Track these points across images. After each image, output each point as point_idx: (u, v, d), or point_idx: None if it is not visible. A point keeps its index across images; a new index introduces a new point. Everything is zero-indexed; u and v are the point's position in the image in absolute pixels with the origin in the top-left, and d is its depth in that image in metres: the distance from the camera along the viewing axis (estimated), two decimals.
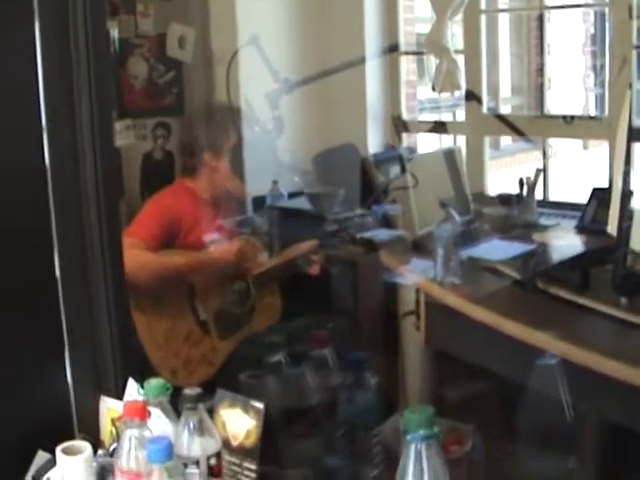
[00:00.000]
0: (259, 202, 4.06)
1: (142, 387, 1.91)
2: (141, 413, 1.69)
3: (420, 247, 3.68)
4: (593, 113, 10.29)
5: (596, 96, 10.65)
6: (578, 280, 2.90)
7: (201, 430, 1.76)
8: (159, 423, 1.80)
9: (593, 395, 2.52)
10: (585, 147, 9.75)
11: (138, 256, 3.36)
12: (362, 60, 4.65)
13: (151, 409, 1.76)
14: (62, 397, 2.09)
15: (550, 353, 2.56)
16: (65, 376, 2.09)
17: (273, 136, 3.96)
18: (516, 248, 3.58)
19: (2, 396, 1.96)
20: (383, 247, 3.77)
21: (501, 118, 4.56)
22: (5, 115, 1.94)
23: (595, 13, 10.12)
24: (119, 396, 2.04)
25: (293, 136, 4.34)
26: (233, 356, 3.58)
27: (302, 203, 4.04)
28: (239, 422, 1.86)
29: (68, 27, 2.03)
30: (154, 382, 1.86)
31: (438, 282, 3.27)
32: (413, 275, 3.54)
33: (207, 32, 4.45)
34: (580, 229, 3.85)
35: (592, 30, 10.94)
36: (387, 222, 4.01)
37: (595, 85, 10.76)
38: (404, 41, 5.00)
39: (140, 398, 1.88)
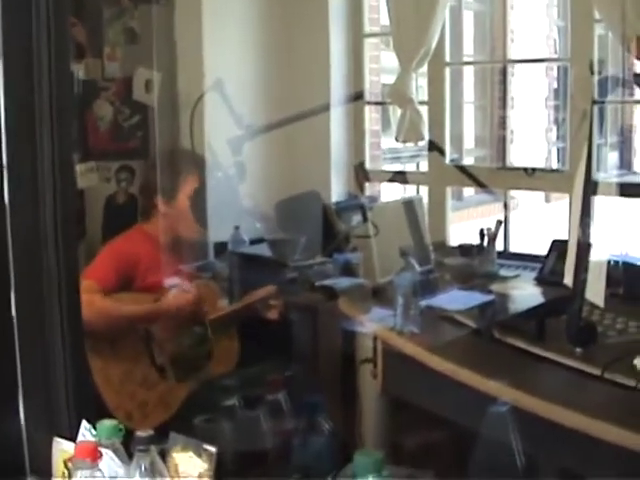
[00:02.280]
0: (220, 247, 4.05)
1: (95, 428, 1.90)
2: (92, 454, 1.67)
3: (380, 295, 3.68)
4: (555, 166, 10.41)
5: (558, 149, 10.77)
6: (534, 330, 2.91)
7: (153, 473, 1.75)
8: (111, 465, 1.79)
9: (547, 443, 2.52)
10: (547, 200, 9.84)
11: (93, 301, 3.36)
12: (327, 108, 4.68)
13: (103, 450, 1.74)
14: (14, 437, 2.07)
15: (504, 401, 2.56)
16: (18, 416, 2.07)
17: (235, 182, 3.96)
18: (475, 298, 3.58)
19: None
20: (343, 295, 3.77)
21: (463, 169, 4.59)
22: None
23: (558, 67, 10.28)
24: (72, 438, 2.01)
25: (256, 182, 4.35)
26: (189, 400, 3.55)
27: (263, 249, 4.04)
28: (191, 465, 1.85)
29: (32, 67, 2.03)
30: (107, 423, 1.84)
31: (397, 331, 3.27)
32: (372, 323, 3.54)
33: (174, 76, 4.46)
34: (539, 280, 3.88)
35: (555, 84, 11.09)
36: (348, 270, 4.01)
37: (558, 138, 10.89)
38: (369, 91, 5.04)
39: (93, 439, 1.87)
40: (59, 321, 2.11)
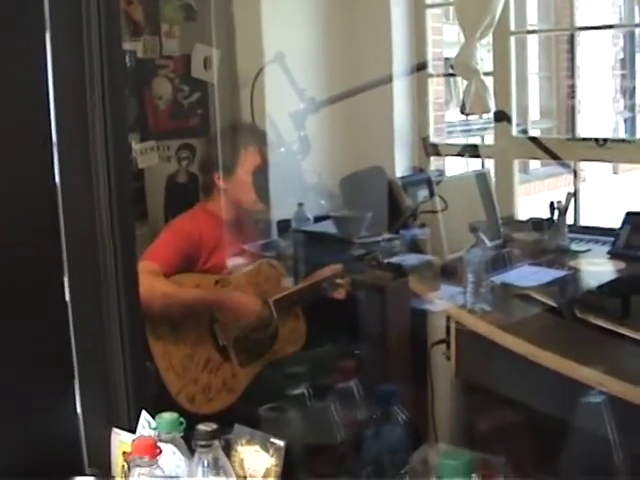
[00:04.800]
0: (284, 225, 3.97)
1: (154, 419, 1.81)
2: (151, 450, 1.57)
3: (449, 272, 3.59)
4: (623, 136, 10.24)
5: (625, 119, 10.58)
6: (618, 308, 2.78)
7: (216, 468, 1.64)
8: (172, 460, 1.69)
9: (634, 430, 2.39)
10: (615, 171, 9.67)
11: (155, 283, 3.31)
12: (389, 79, 4.57)
13: (163, 445, 1.65)
14: (72, 429, 1.99)
15: (594, 390, 2.43)
16: (75, 407, 1.99)
17: (299, 157, 3.86)
18: (549, 274, 3.50)
19: (9, 428, 1.86)
20: (411, 272, 3.67)
21: (534, 140, 4.46)
22: (15, 133, 1.85)
23: (625, 36, 10.07)
24: (132, 428, 1.93)
25: (319, 158, 4.25)
26: (255, 383, 3.48)
27: (328, 226, 3.95)
28: (258, 460, 1.75)
29: (82, 43, 1.95)
30: (166, 417, 1.75)
31: (468, 309, 3.17)
32: (442, 302, 3.44)
33: (232, 52, 4.41)
34: (613, 254, 3.77)
35: (622, 54, 10.90)
36: (415, 246, 3.92)
37: (625, 108, 10.70)
38: (432, 63, 4.93)
39: (152, 432, 1.77)
40: (116, 306, 2.02)
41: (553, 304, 3.07)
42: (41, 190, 1.91)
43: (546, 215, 4.06)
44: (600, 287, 3.10)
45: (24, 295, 1.86)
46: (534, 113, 8.95)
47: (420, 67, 4.81)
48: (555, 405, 2.66)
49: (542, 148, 4.37)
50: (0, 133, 1.82)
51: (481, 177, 4.12)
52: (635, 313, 2.77)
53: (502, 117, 4.48)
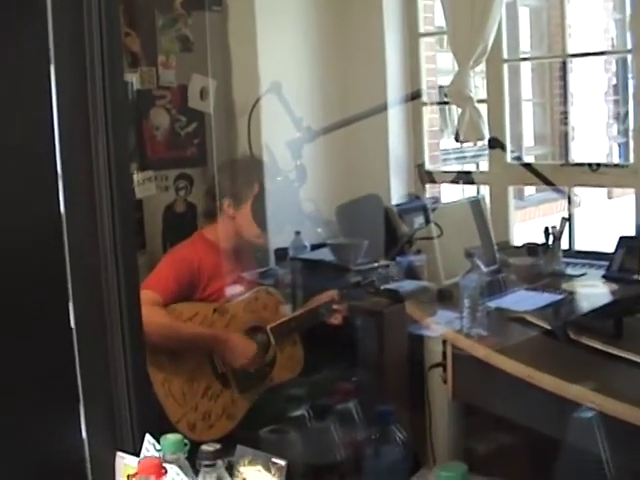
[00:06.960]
0: (282, 253, 4.00)
1: (159, 442, 1.84)
2: (156, 470, 1.61)
3: (446, 298, 3.62)
4: (616, 161, 10.28)
5: (619, 144, 10.63)
6: (611, 329, 2.82)
7: None
8: None
9: (630, 449, 2.42)
10: (610, 196, 9.70)
11: (153, 315, 3.30)
12: (384, 108, 4.61)
13: (168, 466, 1.68)
14: (77, 453, 2.02)
15: (584, 406, 2.45)
16: (80, 431, 2.02)
17: (296, 186, 3.89)
18: (544, 298, 3.53)
19: (15, 452, 1.89)
20: (408, 298, 3.71)
21: (528, 167, 4.50)
22: (20, 164, 1.89)
23: (617, 62, 10.14)
24: (136, 452, 1.96)
25: (316, 186, 4.28)
26: (254, 409, 3.50)
27: (325, 254, 3.98)
28: None
29: (85, 75, 1.99)
30: (171, 438, 1.78)
31: (464, 333, 3.20)
32: (439, 326, 3.47)
33: (229, 82, 4.44)
34: (608, 278, 3.80)
35: (614, 80, 10.95)
36: (412, 273, 3.95)
37: (618, 133, 10.74)
38: (426, 91, 4.98)
39: (157, 454, 1.81)
40: (120, 332, 2.06)
41: (547, 327, 3.11)
42: (47, 220, 1.95)
43: (541, 240, 4.09)
44: (594, 309, 3.14)
45: (30, 321, 1.89)
46: (528, 139, 8.99)
47: (414, 96, 4.86)
48: (551, 425, 2.69)
49: (536, 174, 4.41)
50: (8, 165, 1.86)
51: (475, 203, 4.14)
52: (627, 334, 2.81)
53: (496, 144, 4.52)
